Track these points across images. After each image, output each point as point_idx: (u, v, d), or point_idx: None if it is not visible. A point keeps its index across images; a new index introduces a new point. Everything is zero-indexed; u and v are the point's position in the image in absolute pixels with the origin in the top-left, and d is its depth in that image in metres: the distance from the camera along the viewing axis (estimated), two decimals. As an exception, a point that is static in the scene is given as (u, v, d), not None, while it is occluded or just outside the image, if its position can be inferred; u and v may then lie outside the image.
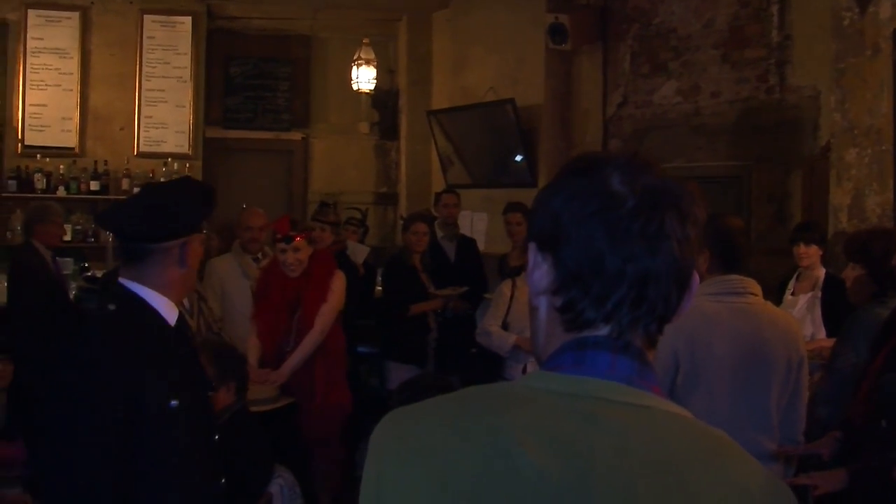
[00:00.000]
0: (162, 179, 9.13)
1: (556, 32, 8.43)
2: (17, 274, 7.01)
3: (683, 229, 1.17)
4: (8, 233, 9.55)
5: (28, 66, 9.78)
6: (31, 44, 9.79)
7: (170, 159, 10.05)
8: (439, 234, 7.51)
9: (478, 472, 1.08)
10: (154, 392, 2.53)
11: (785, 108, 7.23)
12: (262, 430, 4.31)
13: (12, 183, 9.63)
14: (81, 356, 2.53)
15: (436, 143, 10.01)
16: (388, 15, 10.87)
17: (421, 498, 1.10)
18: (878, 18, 5.81)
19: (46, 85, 9.83)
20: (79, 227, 9.63)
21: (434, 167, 10.39)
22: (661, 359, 3.07)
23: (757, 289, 3.44)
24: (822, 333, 5.40)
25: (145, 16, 10.10)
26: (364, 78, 10.18)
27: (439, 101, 10.33)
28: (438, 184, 9.67)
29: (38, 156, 9.73)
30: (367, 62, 10.14)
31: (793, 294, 5.72)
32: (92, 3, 9.99)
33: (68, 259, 8.44)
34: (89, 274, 8.45)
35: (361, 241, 8.40)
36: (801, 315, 5.47)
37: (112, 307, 2.60)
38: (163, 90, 10.13)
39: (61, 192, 9.60)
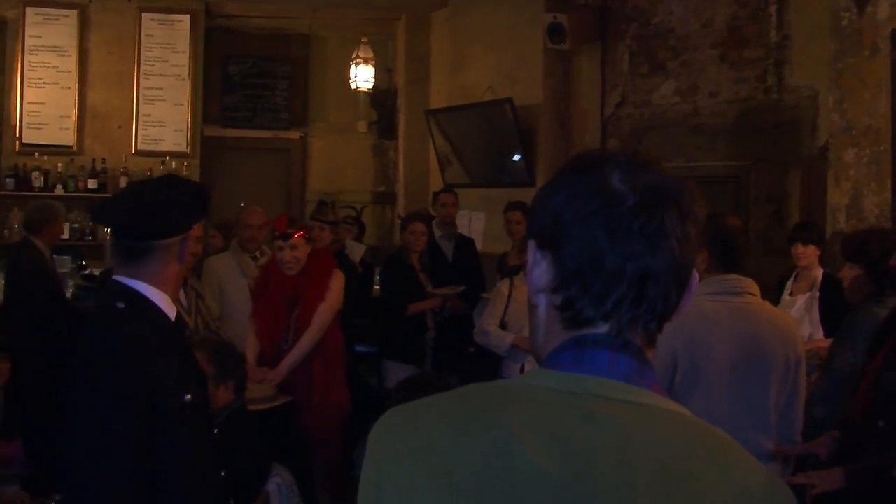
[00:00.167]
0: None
1: (554, 32, 8.43)
2: (17, 272, 6.99)
3: (684, 228, 1.17)
4: (6, 231, 9.55)
5: (26, 63, 9.79)
6: (29, 42, 9.80)
7: (168, 158, 10.05)
8: (437, 233, 7.51)
9: (477, 469, 1.08)
10: (170, 387, 2.58)
11: (783, 109, 7.23)
12: (260, 428, 4.31)
13: (10, 181, 9.64)
14: (103, 352, 2.53)
15: (434, 143, 10.00)
16: (387, 14, 10.87)
17: (420, 496, 1.10)
18: (876, 18, 5.81)
19: (44, 83, 9.84)
20: (76, 226, 9.64)
21: (432, 166, 10.39)
22: (660, 358, 3.07)
23: (755, 289, 3.44)
24: (820, 333, 5.40)
25: (143, 14, 10.11)
26: (362, 77, 10.19)
27: (437, 101, 10.34)
28: (436, 183, 9.67)
29: (36, 154, 9.74)
30: (366, 61, 10.15)
31: (791, 294, 5.72)
32: (90, 1, 10.00)
33: (66, 257, 8.44)
34: (87, 272, 8.45)
35: (358, 240, 8.40)
36: (799, 315, 5.47)
37: (121, 305, 2.60)
38: (161, 88, 10.13)
39: (59, 190, 9.62)
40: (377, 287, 7.57)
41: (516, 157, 8.97)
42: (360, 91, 10.40)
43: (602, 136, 8.72)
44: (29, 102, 9.80)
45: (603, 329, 1.18)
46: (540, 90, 8.86)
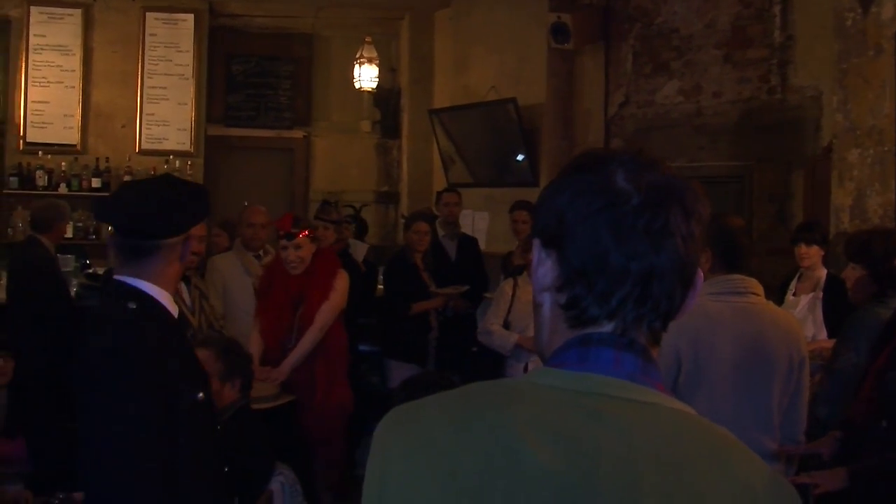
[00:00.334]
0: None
1: (558, 32, 8.43)
2: (23, 270, 6.99)
3: (688, 226, 1.17)
4: (9, 229, 9.56)
5: (30, 62, 9.80)
6: (33, 41, 9.80)
7: (171, 157, 10.06)
8: (440, 233, 7.52)
9: (481, 467, 1.08)
10: (184, 386, 2.61)
11: (787, 109, 7.23)
12: (264, 427, 4.31)
13: (14, 180, 9.64)
14: (122, 354, 2.53)
15: (437, 142, 10.00)
16: (391, 13, 10.87)
17: (425, 494, 1.10)
18: (880, 19, 5.81)
19: (48, 82, 9.84)
20: (80, 225, 9.64)
21: (435, 166, 10.39)
22: (664, 358, 3.07)
23: (759, 289, 3.44)
24: (823, 334, 5.40)
25: (147, 13, 10.11)
26: (366, 76, 10.18)
27: (441, 100, 10.33)
28: (440, 183, 9.66)
29: (40, 153, 9.74)
30: (369, 61, 10.14)
31: (794, 294, 5.72)
32: (94, 0, 9.99)
33: (70, 256, 8.44)
34: (90, 271, 8.46)
35: (359, 238, 8.40)
36: (803, 315, 5.47)
37: (133, 306, 2.60)
38: (165, 87, 10.14)
39: (63, 189, 9.62)
40: (380, 286, 7.57)
41: (520, 157, 8.97)
42: (363, 90, 10.40)
43: (605, 136, 8.72)
44: (33, 101, 9.81)
45: (607, 328, 1.18)
46: (543, 90, 8.86)
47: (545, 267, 1.22)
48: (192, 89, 10.19)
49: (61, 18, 9.88)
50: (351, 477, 5.71)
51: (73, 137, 9.87)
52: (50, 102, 9.83)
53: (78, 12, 9.92)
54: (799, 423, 3.50)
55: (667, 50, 8.18)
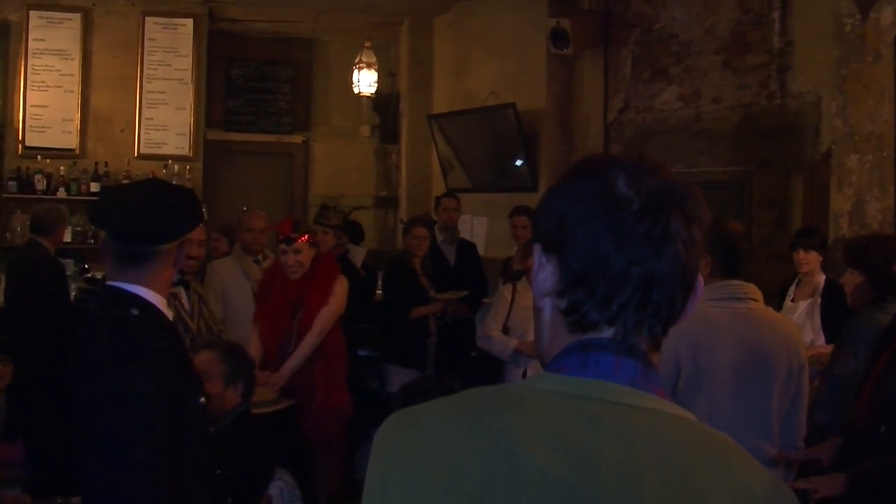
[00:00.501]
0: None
1: (557, 37, 8.43)
2: (24, 273, 6.97)
3: (689, 231, 1.17)
4: (8, 234, 9.55)
5: (29, 67, 9.79)
6: (32, 45, 9.80)
7: (170, 161, 10.05)
8: (439, 238, 7.52)
9: (482, 472, 1.08)
10: (188, 390, 2.62)
11: (786, 114, 7.24)
12: (265, 432, 4.31)
13: (13, 184, 9.63)
14: (130, 360, 2.52)
15: (436, 147, 10.01)
16: (390, 18, 10.88)
17: (426, 499, 1.10)
18: (879, 24, 5.82)
19: (47, 86, 9.83)
20: (78, 229, 9.62)
21: (435, 171, 10.40)
22: (664, 363, 3.06)
23: (758, 294, 3.44)
24: (822, 339, 5.40)
25: (147, 17, 10.11)
26: (365, 81, 10.18)
27: (440, 105, 10.35)
28: (439, 188, 9.68)
29: (39, 157, 9.73)
30: (369, 66, 10.14)
31: (793, 300, 5.72)
32: (93, 4, 10.00)
33: (69, 260, 8.43)
34: (89, 275, 8.45)
35: (355, 243, 8.39)
36: (801, 321, 5.47)
37: (136, 312, 2.59)
38: (164, 92, 10.13)
39: (62, 193, 9.60)
40: (379, 291, 7.58)
41: (519, 162, 8.98)
42: (362, 95, 10.40)
43: (605, 142, 8.72)
44: (32, 106, 9.80)
45: (608, 333, 1.19)
46: (543, 95, 8.88)
47: (546, 272, 1.22)
48: (191, 94, 10.19)
49: (60, 22, 9.87)
50: (350, 481, 5.71)
51: (72, 142, 9.87)
52: (49, 107, 9.82)
53: (77, 17, 9.91)
54: (798, 428, 3.50)
55: (666, 55, 8.18)
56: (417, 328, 6.76)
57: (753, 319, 3.38)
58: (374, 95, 10.47)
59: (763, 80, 7.41)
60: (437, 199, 8.20)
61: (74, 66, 9.90)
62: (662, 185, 1.18)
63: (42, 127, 9.80)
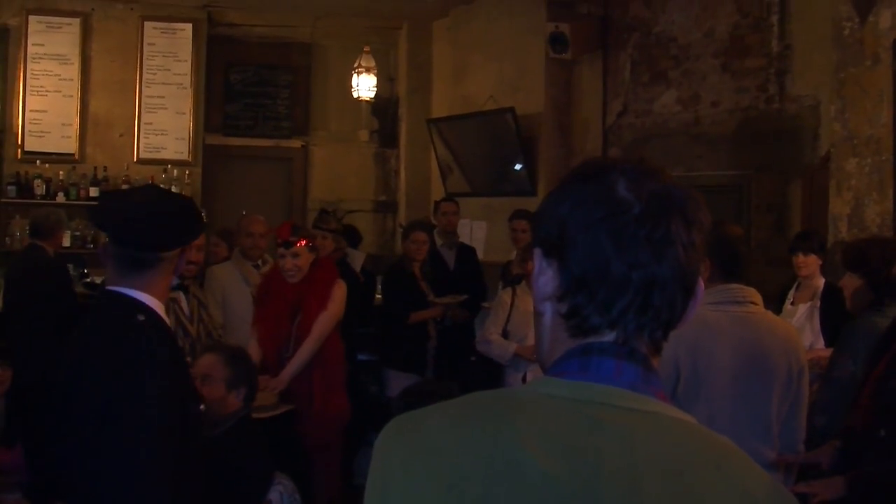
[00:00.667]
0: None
1: (556, 41, 8.45)
2: (28, 274, 6.95)
3: (689, 235, 1.18)
4: (7, 238, 9.55)
5: (28, 71, 9.80)
6: (31, 50, 9.80)
7: (169, 166, 10.06)
8: (439, 242, 7.51)
9: (483, 476, 1.08)
10: (188, 397, 2.64)
11: (785, 118, 7.24)
12: (265, 437, 4.30)
13: (12, 189, 9.63)
14: (139, 367, 2.52)
15: (435, 152, 10.02)
16: (389, 23, 10.89)
17: (426, 503, 1.10)
18: (877, 28, 5.82)
19: (47, 91, 9.84)
20: (77, 233, 9.62)
21: (434, 175, 10.40)
22: (663, 367, 3.05)
23: (757, 298, 3.44)
24: (821, 343, 5.40)
25: (146, 22, 10.12)
26: (364, 86, 10.19)
27: (439, 110, 10.35)
28: (438, 192, 9.67)
29: (38, 162, 9.73)
30: (368, 70, 10.15)
31: (792, 303, 5.72)
32: (93, 9, 10.01)
33: (68, 265, 8.42)
34: (88, 280, 8.45)
35: (353, 247, 8.38)
36: (800, 324, 5.47)
37: (142, 318, 2.59)
38: (163, 97, 10.14)
39: (61, 198, 9.60)
40: (379, 296, 7.57)
41: (518, 166, 8.98)
42: (361, 100, 10.40)
43: (603, 146, 8.73)
44: (31, 110, 9.80)
45: (609, 337, 1.19)
46: (541, 99, 8.89)
47: (546, 276, 1.22)
48: (190, 98, 10.20)
49: (59, 27, 9.88)
50: (349, 486, 5.71)
51: (71, 146, 9.87)
52: (48, 111, 9.83)
53: (76, 21, 9.92)
54: (798, 432, 3.50)
55: (665, 59, 8.19)
56: (417, 332, 6.75)
57: (753, 323, 3.38)
58: (373, 100, 10.48)
59: (762, 84, 7.41)
60: (437, 203, 8.19)
61: (73, 71, 9.91)
62: (663, 188, 1.19)
63: (41, 132, 9.81)
